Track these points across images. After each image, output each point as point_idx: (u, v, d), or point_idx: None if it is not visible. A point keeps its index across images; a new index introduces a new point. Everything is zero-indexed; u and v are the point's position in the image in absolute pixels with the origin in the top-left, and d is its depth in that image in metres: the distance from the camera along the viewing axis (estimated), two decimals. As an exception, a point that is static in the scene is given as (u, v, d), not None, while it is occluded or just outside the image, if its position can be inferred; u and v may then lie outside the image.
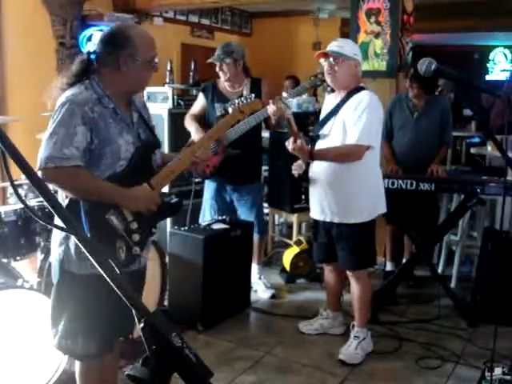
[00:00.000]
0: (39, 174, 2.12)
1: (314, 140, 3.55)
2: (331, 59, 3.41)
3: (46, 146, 2.17)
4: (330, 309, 3.99)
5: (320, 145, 3.51)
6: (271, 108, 3.91)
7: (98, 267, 1.06)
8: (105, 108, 2.29)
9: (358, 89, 3.47)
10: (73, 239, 2.25)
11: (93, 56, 2.35)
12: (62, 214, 1.06)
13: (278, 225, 6.36)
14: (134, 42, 2.27)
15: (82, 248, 1.06)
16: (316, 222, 3.74)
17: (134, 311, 1.05)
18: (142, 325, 1.03)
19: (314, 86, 4.11)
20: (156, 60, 2.36)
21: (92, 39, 6.06)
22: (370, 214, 3.54)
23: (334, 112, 3.49)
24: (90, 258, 1.06)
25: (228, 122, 2.98)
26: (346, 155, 3.41)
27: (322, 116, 3.66)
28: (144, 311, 1.05)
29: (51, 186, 2.21)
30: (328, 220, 3.58)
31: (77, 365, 2.53)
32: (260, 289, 4.66)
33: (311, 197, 3.68)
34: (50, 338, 2.46)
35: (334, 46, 3.44)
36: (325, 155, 3.46)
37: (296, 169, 3.64)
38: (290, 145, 3.46)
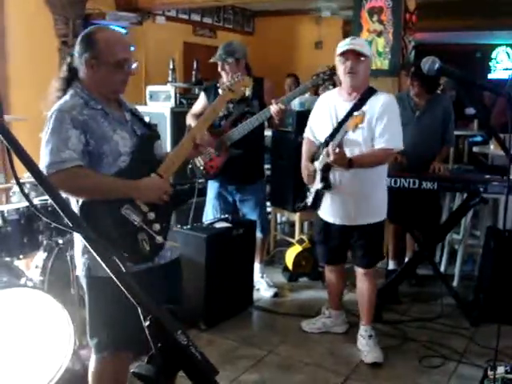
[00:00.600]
0: None
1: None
2: (359, 59, 3.30)
3: (44, 155, 2.22)
4: (332, 308, 3.99)
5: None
6: (274, 108, 3.91)
7: (103, 264, 1.06)
8: (94, 110, 2.32)
9: (371, 90, 3.40)
10: None
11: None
12: (68, 212, 1.07)
13: (280, 223, 6.36)
14: (98, 45, 2.30)
15: (88, 246, 1.06)
16: (327, 224, 3.64)
17: (139, 309, 1.06)
18: (147, 323, 1.04)
19: (315, 85, 4.08)
20: (129, 63, 2.36)
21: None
22: (385, 210, 3.58)
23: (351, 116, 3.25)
24: (94, 255, 1.06)
25: (221, 103, 2.96)
26: (381, 160, 3.37)
27: (321, 114, 3.53)
28: (150, 309, 1.05)
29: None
30: (352, 224, 3.52)
31: (91, 363, 2.53)
32: (262, 287, 4.66)
33: (331, 203, 3.53)
34: (92, 348, 2.49)
35: (355, 44, 3.29)
36: (362, 162, 3.30)
37: (310, 174, 3.50)
38: (330, 155, 3.16)
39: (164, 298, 2.23)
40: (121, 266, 1.07)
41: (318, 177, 3.45)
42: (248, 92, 4.25)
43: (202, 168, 4.23)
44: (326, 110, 3.50)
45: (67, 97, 2.33)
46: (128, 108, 2.50)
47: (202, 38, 8.51)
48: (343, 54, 3.31)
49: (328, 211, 3.59)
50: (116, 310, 2.33)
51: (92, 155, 2.28)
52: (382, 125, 3.29)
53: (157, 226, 2.34)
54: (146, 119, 2.62)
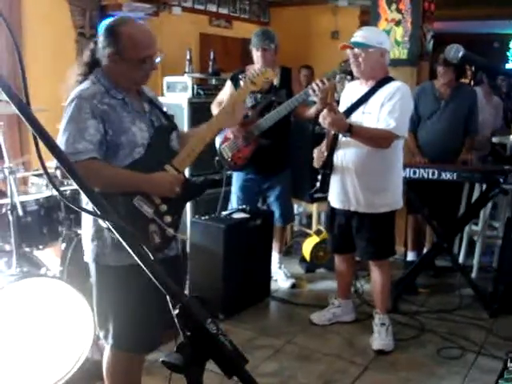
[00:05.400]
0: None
1: None
2: (355, 49, 3.35)
3: (59, 144, 2.18)
4: (341, 297, 3.99)
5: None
6: (320, 86, 3.69)
7: (131, 252, 1.05)
8: (114, 99, 2.29)
9: (388, 79, 3.41)
10: (106, 232, 2.27)
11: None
12: (95, 199, 1.06)
13: (298, 214, 6.34)
14: (121, 40, 2.25)
15: (116, 234, 1.05)
16: (333, 210, 3.69)
17: (168, 297, 1.05)
18: (176, 311, 1.03)
19: (340, 80, 3.91)
20: (152, 59, 2.32)
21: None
22: (392, 205, 3.52)
23: (363, 101, 3.42)
24: (123, 243, 1.06)
25: (241, 95, 2.92)
26: (380, 139, 3.31)
27: (344, 104, 3.58)
28: (179, 297, 1.05)
29: None
30: (352, 209, 3.53)
31: (106, 353, 2.53)
32: (280, 278, 4.66)
33: (333, 185, 3.58)
34: (102, 339, 2.50)
35: (358, 36, 3.37)
36: (362, 132, 3.32)
37: (319, 156, 3.53)
38: (325, 118, 3.27)
39: None
40: (149, 254, 1.07)
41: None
42: (276, 81, 4.22)
43: (229, 160, 4.21)
44: (348, 97, 3.58)
45: (88, 83, 2.29)
46: (147, 97, 2.46)
47: (219, 28, 8.48)
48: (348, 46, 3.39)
49: (332, 195, 3.65)
50: (123, 301, 2.33)
51: (109, 145, 2.25)
52: (387, 110, 3.29)
53: (168, 218, 2.33)
54: (164, 109, 2.59)
